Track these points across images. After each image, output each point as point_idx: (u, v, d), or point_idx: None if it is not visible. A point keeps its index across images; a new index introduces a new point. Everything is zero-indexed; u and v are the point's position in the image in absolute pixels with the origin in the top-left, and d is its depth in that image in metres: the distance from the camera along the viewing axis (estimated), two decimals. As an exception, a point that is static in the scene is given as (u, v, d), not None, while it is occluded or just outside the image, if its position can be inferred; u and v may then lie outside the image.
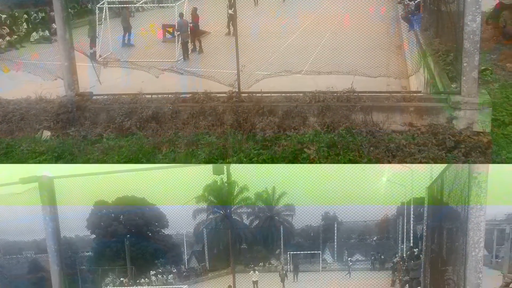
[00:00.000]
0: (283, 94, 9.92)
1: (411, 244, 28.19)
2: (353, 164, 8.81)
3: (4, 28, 21.35)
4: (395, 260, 29.85)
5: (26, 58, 18.28)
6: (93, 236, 38.75)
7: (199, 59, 18.05)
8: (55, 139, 10.85)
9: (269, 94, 10.00)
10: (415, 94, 9.99)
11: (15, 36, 21.28)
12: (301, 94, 9.81)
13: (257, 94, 10.01)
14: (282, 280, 28.55)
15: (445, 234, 7.94)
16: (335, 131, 9.49)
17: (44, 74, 13.48)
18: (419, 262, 15.34)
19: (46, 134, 11.14)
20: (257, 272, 26.27)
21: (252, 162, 9.00)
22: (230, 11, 16.51)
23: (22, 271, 35.62)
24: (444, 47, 11.51)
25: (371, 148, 8.92)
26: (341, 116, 9.63)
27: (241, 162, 8.87)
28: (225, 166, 8.43)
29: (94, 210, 36.08)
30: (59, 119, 11.25)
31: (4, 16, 22.39)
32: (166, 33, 20.85)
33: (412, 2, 18.56)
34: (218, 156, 9.15)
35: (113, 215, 38.11)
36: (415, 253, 20.00)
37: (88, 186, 8.06)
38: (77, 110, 11.31)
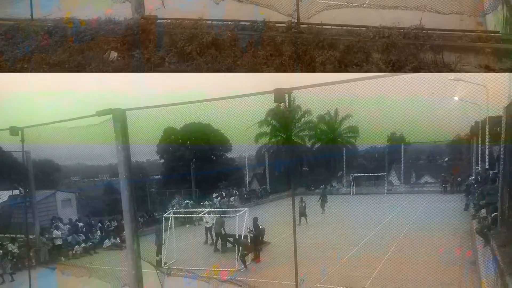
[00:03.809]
0: (345, 28, 9.25)
1: (487, 166, 26.16)
2: (421, 76, 8.04)
3: (80, 235, 22.72)
4: (468, 183, 28.19)
5: (98, 264, 18.78)
6: (162, 160, 41.68)
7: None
8: (121, 60, 11.33)
9: (330, 27, 9.37)
10: (493, 34, 8.82)
11: (90, 243, 22.54)
12: (364, 29, 9.08)
13: (317, 26, 9.43)
14: (302, 215, 23.42)
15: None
16: (401, 70, 8.83)
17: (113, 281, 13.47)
18: (495, 186, 14.20)
19: (113, 55, 11.62)
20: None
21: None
22: None
23: (97, 193, 40.16)
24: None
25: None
26: (408, 55, 8.86)
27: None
28: (286, 93, 8.26)
29: (164, 136, 38.36)
30: (126, 40, 11.61)
31: (81, 224, 24.24)
32: None
33: None
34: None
35: (180, 140, 40.23)
36: (491, 176, 18.39)
37: (157, 116, 8.53)
38: (142, 32, 11.56)
